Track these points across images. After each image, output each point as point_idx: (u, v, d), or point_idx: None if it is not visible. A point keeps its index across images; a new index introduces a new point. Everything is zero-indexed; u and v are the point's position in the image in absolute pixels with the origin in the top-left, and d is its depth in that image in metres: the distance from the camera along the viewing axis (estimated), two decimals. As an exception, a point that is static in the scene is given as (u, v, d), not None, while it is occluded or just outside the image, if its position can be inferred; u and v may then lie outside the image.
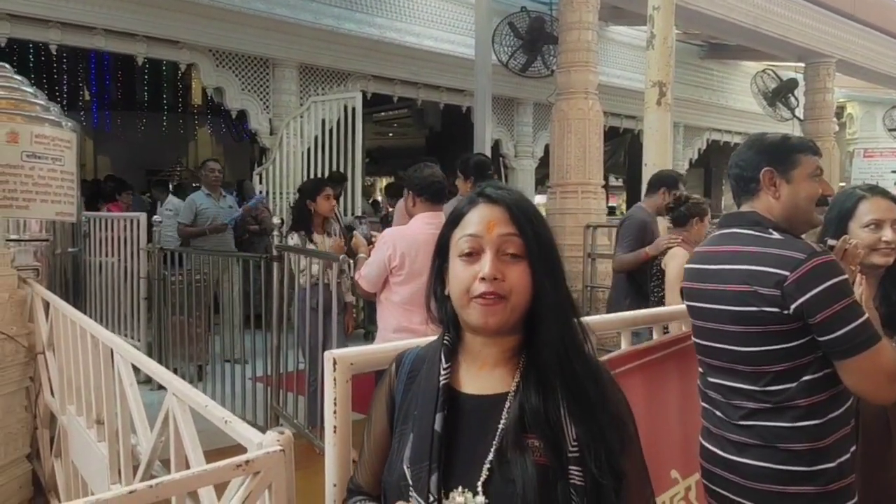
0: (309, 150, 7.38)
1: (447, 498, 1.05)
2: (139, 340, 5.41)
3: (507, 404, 1.07)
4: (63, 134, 3.90)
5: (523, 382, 1.08)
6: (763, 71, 11.03)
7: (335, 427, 1.34)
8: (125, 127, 12.56)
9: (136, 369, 2.15)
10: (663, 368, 2.09)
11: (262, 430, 1.36)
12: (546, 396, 1.06)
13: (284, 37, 7.33)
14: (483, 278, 1.07)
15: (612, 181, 16.00)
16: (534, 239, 1.09)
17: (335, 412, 1.34)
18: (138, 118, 12.65)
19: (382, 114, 12.08)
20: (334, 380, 1.34)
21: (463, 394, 1.12)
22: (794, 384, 1.60)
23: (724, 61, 11.88)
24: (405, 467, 1.09)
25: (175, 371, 4.74)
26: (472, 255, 1.10)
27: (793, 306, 1.55)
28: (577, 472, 1.02)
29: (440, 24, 8.47)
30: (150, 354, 4.95)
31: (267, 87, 7.55)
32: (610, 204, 15.26)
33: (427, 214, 3.19)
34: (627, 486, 1.08)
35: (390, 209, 6.53)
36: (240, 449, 1.30)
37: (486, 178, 3.84)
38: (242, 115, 7.55)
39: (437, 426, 1.07)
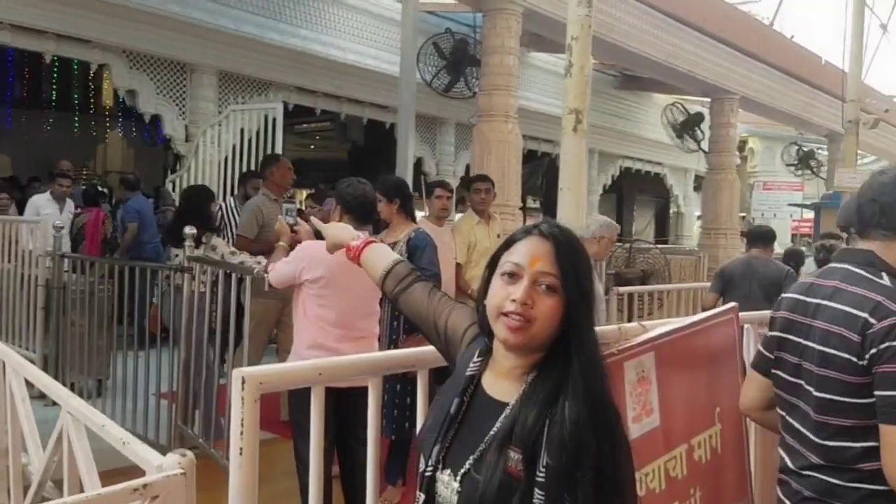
0: (226, 158, 7.21)
1: (441, 471, 1.20)
2: (35, 352, 5.11)
3: (505, 413, 1.18)
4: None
5: (523, 400, 1.17)
6: (673, 104, 11.58)
7: (241, 449, 1.30)
8: (29, 126, 11.91)
9: (29, 384, 2.04)
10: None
11: (166, 449, 1.32)
12: (536, 420, 1.13)
13: (202, 41, 7.15)
14: (513, 300, 1.17)
15: (530, 203, 16.36)
16: (574, 281, 1.18)
17: (242, 433, 1.31)
18: (44, 117, 12.02)
19: (304, 126, 11.94)
20: (242, 399, 1.31)
21: (481, 390, 1.25)
22: (857, 444, 1.51)
23: (637, 92, 12.38)
24: (427, 425, 1.29)
25: (72, 386, 4.51)
26: (512, 278, 1.19)
27: (867, 355, 1.47)
28: (539, 496, 1.09)
29: (365, 40, 8.49)
30: (46, 367, 4.69)
31: (184, 92, 7.33)
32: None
33: None
34: None
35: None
36: (140, 470, 1.26)
37: (407, 198, 3.81)
38: (156, 119, 7.30)
39: (452, 409, 1.22)
